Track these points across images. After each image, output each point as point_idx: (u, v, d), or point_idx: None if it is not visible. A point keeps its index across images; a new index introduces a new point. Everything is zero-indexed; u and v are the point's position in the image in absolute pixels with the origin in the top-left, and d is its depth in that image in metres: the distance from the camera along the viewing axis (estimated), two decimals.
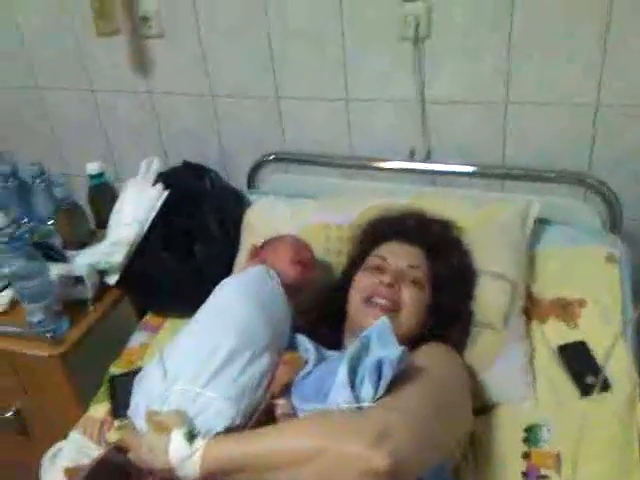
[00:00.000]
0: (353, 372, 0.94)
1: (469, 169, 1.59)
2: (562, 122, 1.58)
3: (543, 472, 1.06)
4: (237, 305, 1.09)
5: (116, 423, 1.23)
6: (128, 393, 1.07)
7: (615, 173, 1.56)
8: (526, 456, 1.09)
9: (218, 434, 0.91)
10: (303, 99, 1.82)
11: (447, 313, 1.18)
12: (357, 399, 0.91)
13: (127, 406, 1.10)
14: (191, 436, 0.88)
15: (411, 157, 1.70)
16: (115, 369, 1.35)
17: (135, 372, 1.27)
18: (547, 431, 1.12)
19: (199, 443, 0.87)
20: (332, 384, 0.94)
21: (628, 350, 1.19)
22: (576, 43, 1.45)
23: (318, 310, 1.24)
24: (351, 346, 0.99)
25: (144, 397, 0.98)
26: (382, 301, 1.12)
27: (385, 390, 0.90)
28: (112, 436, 1.21)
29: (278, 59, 1.77)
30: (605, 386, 1.15)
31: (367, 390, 0.91)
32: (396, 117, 1.73)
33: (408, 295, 1.13)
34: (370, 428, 0.83)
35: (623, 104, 1.49)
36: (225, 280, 1.18)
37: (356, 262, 1.25)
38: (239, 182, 1.88)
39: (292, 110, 1.85)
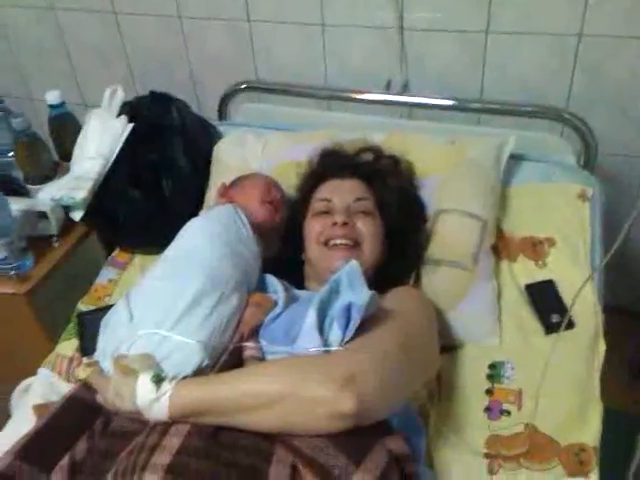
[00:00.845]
0: (322, 315, 0.94)
1: (446, 102, 1.55)
2: (543, 54, 1.54)
3: (505, 407, 1.09)
4: (204, 246, 1.07)
5: (85, 360, 1.23)
6: (96, 330, 1.06)
7: (594, 109, 1.54)
8: (489, 392, 1.12)
9: (185, 377, 0.91)
10: (276, 23, 1.75)
11: (400, 237, 1.18)
12: (325, 343, 0.91)
13: (95, 343, 1.09)
14: (158, 379, 0.88)
15: (387, 88, 1.66)
16: (83, 306, 1.34)
17: (103, 309, 1.27)
18: (510, 368, 1.15)
19: (166, 387, 0.87)
20: (301, 327, 0.94)
21: (594, 289, 1.21)
22: None
23: (278, 253, 1.23)
24: (321, 289, 0.98)
25: (111, 341, 0.97)
26: (342, 241, 1.12)
27: (353, 334, 0.90)
28: (81, 373, 1.21)
29: None
30: (569, 324, 1.16)
31: (335, 334, 0.91)
32: (373, 45, 1.68)
33: (363, 227, 1.13)
34: (336, 371, 0.83)
35: (606, 35, 1.45)
36: (192, 220, 1.16)
37: (300, 208, 1.23)
38: (210, 112, 1.82)
39: (264, 35, 1.79)
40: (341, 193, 1.18)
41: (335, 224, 1.12)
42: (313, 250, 1.15)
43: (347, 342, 0.90)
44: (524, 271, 1.27)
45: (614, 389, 1.18)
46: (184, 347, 0.93)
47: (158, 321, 0.95)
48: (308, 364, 0.88)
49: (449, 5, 1.55)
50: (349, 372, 0.83)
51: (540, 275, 1.25)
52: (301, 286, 1.18)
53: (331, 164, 1.28)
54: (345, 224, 1.12)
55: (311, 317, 0.93)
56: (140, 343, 0.93)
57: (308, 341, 0.91)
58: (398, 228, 1.19)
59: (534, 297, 1.22)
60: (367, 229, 1.13)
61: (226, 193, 1.25)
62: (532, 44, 1.53)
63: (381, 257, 1.15)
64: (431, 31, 1.61)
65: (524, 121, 1.49)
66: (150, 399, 0.86)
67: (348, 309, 0.91)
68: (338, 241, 1.12)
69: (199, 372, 0.93)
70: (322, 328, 0.93)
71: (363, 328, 0.90)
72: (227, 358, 0.96)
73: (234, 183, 1.27)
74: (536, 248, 1.29)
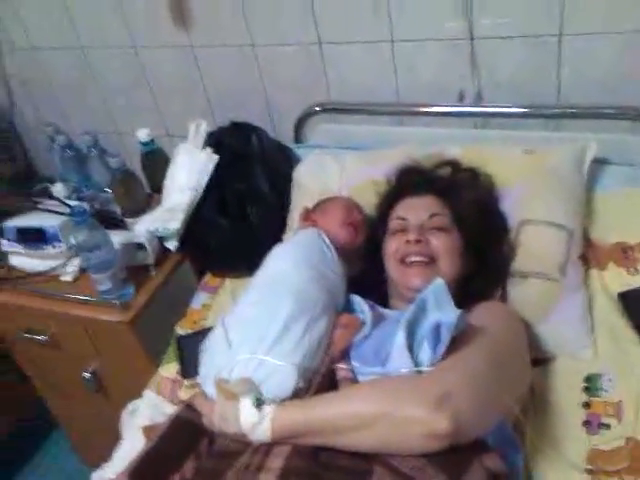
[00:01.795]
0: (411, 335, 0.95)
1: (520, 110, 1.53)
2: (619, 53, 1.49)
3: (604, 420, 1.07)
4: (290, 270, 1.11)
5: (186, 382, 1.30)
6: (195, 353, 1.13)
7: None
8: (586, 405, 1.10)
9: (283, 400, 0.95)
10: (345, 43, 1.77)
11: (481, 250, 1.18)
12: (416, 363, 0.92)
13: (194, 366, 1.16)
14: (259, 403, 0.92)
15: (460, 100, 1.65)
16: (180, 329, 1.41)
17: (199, 332, 1.34)
18: (608, 380, 1.12)
19: (267, 410, 0.91)
20: (391, 347, 0.96)
21: None
22: None
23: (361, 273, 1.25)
24: (408, 308, 1.00)
25: (212, 366, 1.03)
26: (416, 258, 1.13)
27: (444, 353, 0.91)
28: (183, 394, 1.28)
29: (318, 3, 1.73)
30: None
31: (426, 354, 0.92)
32: (444, 56, 1.67)
33: (438, 243, 1.14)
34: (430, 391, 0.85)
35: None
36: (277, 246, 1.20)
37: (379, 227, 1.26)
38: (286, 135, 1.88)
39: (335, 56, 1.81)
40: (415, 210, 1.19)
41: (409, 242, 1.14)
42: (391, 268, 1.18)
43: (437, 361, 0.91)
44: (616, 279, 1.23)
45: None
46: (280, 370, 0.97)
47: (254, 346, 0.99)
48: (402, 385, 0.90)
49: (519, 10, 1.53)
50: (443, 391, 0.84)
51: (633, 282, 1.22)
52: (386, 304, 1.20)
53: (407, 182, 1.30)
54: (418, 241, 1.13)
55: (400, 337, 0.95)
56: (239, 368, 0.98)
57: (399, 362, 0.94)
58: (478, 241, 1.19)
59: (628, 305, 1.19)
60: (442, 245, 1.14)
61: (309, 217, 1.28)
62: (607, 44, 1.49)
63: (461, 271, 1.16)
64: (502, 38, 1.59)
65: (604, 123, 1.45)
66: (253, 422, 0.90)
67: (437, 328, 0.92)
68: (413, 258, 1.13)
69: (295, 394, 0.97)
70: (412, 348, 0.94)
71: (452, 346, 0.91)
72: (321, 380, 0.99)
73: (316, 207, 1.31)
74: (627, 254, 1.25)
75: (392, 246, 1.18)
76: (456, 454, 0.84)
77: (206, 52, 1.98)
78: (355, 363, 1.02)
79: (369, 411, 0.86)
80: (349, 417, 0.87)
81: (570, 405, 1.11)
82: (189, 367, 1.28)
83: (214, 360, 1.04)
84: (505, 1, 1.52)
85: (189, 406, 1.07)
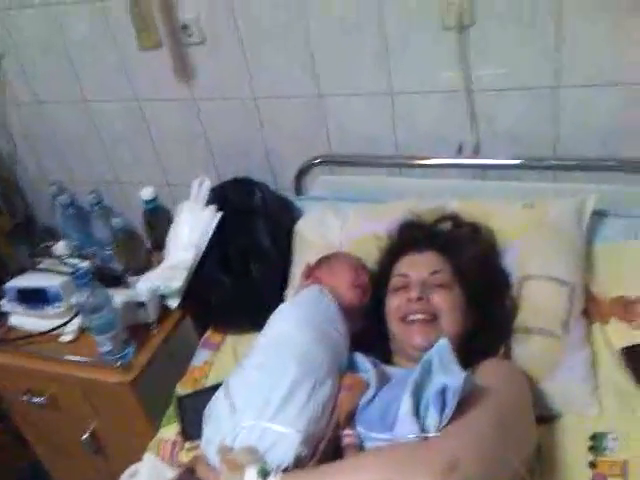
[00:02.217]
0: (417, 399, 0.95)
1: (518, 162, 1.55)
2: (618, 105, 1.51)
3: None
4: (294, 332, 1.10)
5: (187, 444, 1.28)
6: (196, 414, 1.11)
7: None
8: (592, 465, 1.08)
9: (287, 469, 0.94)
10: (346, 95, 1.80)
11: (483, 306, 1.18)
12: (422, 428, 0.92)
13: (195, 427, 1.15)
14: (264, 473, 0.91)
15: (459, 152, 1.67)
16: (181, 389, 1.40)
17: (200, 392, 1.33)
18: (613, 439, 1.11)
19: None
20: (397, 412, 0.95)
21: None
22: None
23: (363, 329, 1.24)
24: (413, 370, 1.00)
25: (215, 433, 1.01)
26: (418, 316, 1.13)
27: (450, 418, 0.90)
28: (184, 457, 1.26)
29: (318, 56, 1.76)
30: None
31: (432, 418, 0.91)
32: (442, 109, 1.69)
33: (439, 300, 1.14)
34: (437, 459, 0.84)
35: None
36: (281, 306, 1.20)
37: (381, 283, 1.26)
38: (286, 186, 1.90)
39: (335, 108, 1.84)
40: (417, 267, 1.20)
41: (410, 300, 1.14)
42: (394, 326, 1.18)
43: (444, 426, 0.90)
44: (618, 334, 1.23)
45: None
46: (284, 437, 0.96)
47: (258, 412, 0.98)
48: (408, 454, 0.88)
49: (516, 62, 1.56)
50: (450, 460, 0.83)
51: (636, 336, 1.21)
52: (389, 360, 1.20)
53: (408, 238, 1.30)
54: (420, 299, 1.13)
55: (406, 403, 0.94)
56: (243, 435, 0.97)
57: (405, 428, 0.93)
58: (480, 297, 1.19)
59: (632, 361, 1.18)
60: (443, 302, 1.14)
61: (312, 274, 1.28)
62: (606, 96, 1.52)
63: (463, 328, 1.15)
64: (500, 90, 1.61)
65: (602, 175, 1.47)
66: None
67: (443, 392, 0.92)
68: (415, 317, 1.13)
69: (299, 461, 0.95)
70: (418, 412, 0.93)
71: (458, 409, 0.90)
72: (326, 446, 0.98)
73: (320, 263, 1.30)
74: (628, 308, 1.25)
75: (394, 303, 1.18)
76: None
77: (208, 105, 2.01)
78: (361, 428, 1.01)
79: None
80: None
81: (576, 465, 1.09)
82: (190, 428, 1.27)
83: (217, 425, 1.02)
84: (502, 52, 1.55)
85: (190, 470, 1.06)
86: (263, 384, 1.02)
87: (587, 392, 1.17)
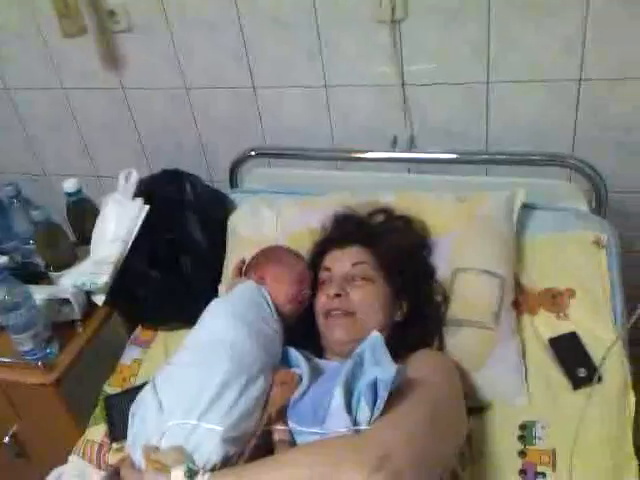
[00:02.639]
0: (349, 393, 0.94)
1: (452, 156, 1.56)
2: (545, 101, 1.56)
3: (540, 469, 1.07)
4: (227, 329, 1.07)
5: (114, 445, 1.23)
6: (124, 414, 1.07)
7: (598, 149, 1.55)
8: (522, 454, 1.10)
9: (215, 467, 0.91)
10: (280, 88, 1.78)
11: (410, 298, 1.19)
12: (354, 422, 0.91)
13: (123, 427, 1.11)
14: (191, 474, 0.87)
15: (394, 145, 1.68)
16: (109, 388, 1.35)
17: (129, 391, 1.28)
18: (541, 428, 1.13)
19: None
20: (328, 406, 0.94)
21: (620, 340, 1.19)
22: (556, 19, 1.42)
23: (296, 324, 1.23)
24: (345, 364, 0.99)
25: (141, 432, 0.97)
26: (336, 312, 1.14)
27: (382, 410, 0.89)
28: (111, 458, 1.21)
29: (252, 47, 1.73)
30: (597, 378, 1.15)
31: (364, 412, 0.91)
32: (377, 103, 1.70)
33: (357, 296, 1.14)
34: (369, 453, 0.83)
35: (605, 78, 1.47)
36: (214, 302, 1.17)
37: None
38: (221, 179, 1.86)
39: (269, 100, 1.82)
40: (340, 261, 1.20)
41: (328, 296, 1.15)
42: (319, 321, 1.18)
43: (376, 419, 0.90)
44: (546, 325, 1.26)
45: None
46: (212, 435, 0.93)
47: (187, 410, 0.95)
48: (340, 448, 0.87)
49: (448, 58, 1.58)
50: (381, 453, 0.83)
51: (562, 327, 1.24)
52: (322, 356, 1.18)
53: (336, 231, 1.30)
54: (337, 295, 1.14)
55: (338, 397, 0.93)
56: (170, 434, 0.93)
57: (337, 422, 0.91)
58: (407, 290, 1.19)
59: (559, 351, 1.21)
60: (362, 298, 1.14)
61: (251, 269, 1.24)
62: (533, 92, 1.55)
63: (386, 321, 1.16)
64: (432, 85, 1.63)
65: (532, 169, 1.50)
66: None
67: (374, 385, 0.91)
68: (334, 312, 1.14)
69: (227, 459, 0.93)
70: (350, 406, 0.92)
71: (390, 401, 0.90)
72: (256, 443, 0.96)
73: (263, 262, 1.24)
74: (556, 300, 1.28)
75: (320, 300, 1.19)
76: None
77: (138, 95, 1.95)
78: (292, 423, 0.99)
79: (306, 476, 0.83)
80: None
81: (506, 454, 1.11)
82: (117, 429, 1.23)
83: (143, 424, 0.98)
84: (434, 47, 1.57)
85: (117, 471, 1.01)
86: (193, 382, 0.99)
87: (517, 382, 1.19)
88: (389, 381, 0.89)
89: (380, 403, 0.89)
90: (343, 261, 1.20)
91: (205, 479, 0.87)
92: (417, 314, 1.20)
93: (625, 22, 1.39)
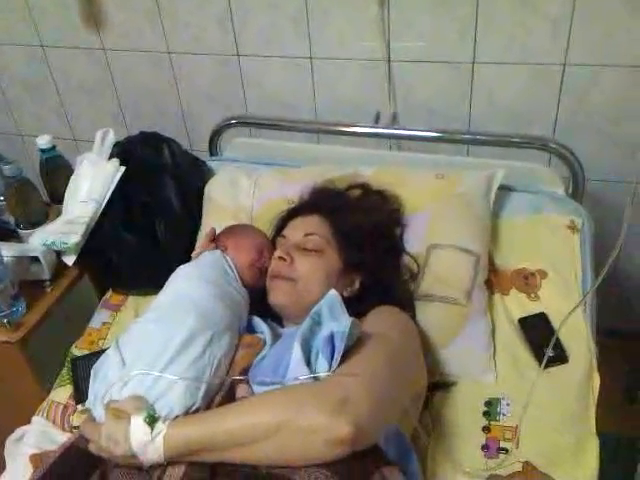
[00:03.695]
0: (307, 348, 0.95)
1: (434, 134, 1.56)
2: (528, 84, 1.56)
3: (502, 445, 1.09)
4: (194, 288, 1.09)
5: (79, 407, 1.22)
6: (89, 376, 1.05)
7: (579, 135, 1.56)
8: (486, 429, 1.11)
9: (178, 416, 0.91)
10: (265, 57, 1.76)
11: (368, 272, 1.18)
12: (314, 374, 0.91)
13: (88, 389, 1.09)
14: (152, 420, 0.87)
15: (376, 121, 1.67)
16: (76, 350, 1.33)
17: (97, 353, 1.27)
18: (506, 404, 1.14)
19: (160, 427, 0.87)
20: (288, 363, 0.95)
21: (587, 321, 1.21)
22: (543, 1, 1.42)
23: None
24: (304, 323, 0.99)
25: (102, 385, 0.97)
26: (279, 276, 1.14)
27: (339, 361, 0.91)
28: (76, 420, 1.20)
29: (237, 14, 1.70)
30: (563, 358, 1.17)
31: (322, 364, 0.92)
32: (362, 77, 1.70)
33: (302, 265, 1.14)
34: (329, 396, 0.84)
35: (588, 63, 1.47)
36: (181, 267, 1.17)
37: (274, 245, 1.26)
38: (201, 147, 1.83)
39: (254, 69, 1.80)
40: (294, 229, 1.20)
41: (274, 258, 1.16)
42: (266, 284, 1.17)
43: (334, 370, 0.91)
44: (517, 305, 1.27)
45: (611, 414, 1.17)
46: (176, 387, 0.93)
47: (150, 362, 0.95)
48: (300, 393, 0.88)
49: (435, 36, 1.57)
50: (342, 396, 0.84)
51: (533, 308, 1.26)
52: (282, 325, 1.19)
53: (299, 204, 1.30)
54: (281, 259, 1.15)
55: (296, 351, 0.94)
56: (132, 385, 0.93)
57: (296, 374, 0.92)
58: (362, 266, 1.18)
59: (527, 331, 1.23)
60: (304, 266, 1.14)
61: (217, 239, 1.25)
62: (517, 74, 1.56)
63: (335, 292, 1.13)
64: (418, 62, 1.63)
65: (512, 151, 1.50)
66: (145, 441, 0.86)
67: (331, 338, 0.92)
68: (278, 275, 1.15)
69: (189, 412, 0.93)
70: (309, 360, 0.94)
71: (348, 353, 0.92)
72: (221, 401, 0.97)
73: (227, 233, 1.27)
74: (528, 281, 1.29)
75: (271, 263, 1.19)
76: (358, 465, 0.84)
77: (119, 56, 1.91)
78: (254, 382, 0.99)
79: (268, 420, 0.84)
80: (247, 428, 0.85)
81: (470, 429, 1.12)
82: (82, 390, 1.21)
83: (105, 380, 0.98)
84: (421, 25, 1.56)
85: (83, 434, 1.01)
86: (157, 336, 1.00)
87: (485, 360, 1.21)
88: (345, 333, 0.90)
89: (337, 354, 0.90)
90: (297, 230, 1.20)
91: (165, 425, 0.87)
92: (373, 292, 1.17)
93: (612, 8, 1.39)
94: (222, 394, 0.98)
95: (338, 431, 0.81)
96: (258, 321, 1.14)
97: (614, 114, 1.54)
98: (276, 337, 1.10)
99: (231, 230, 1.28)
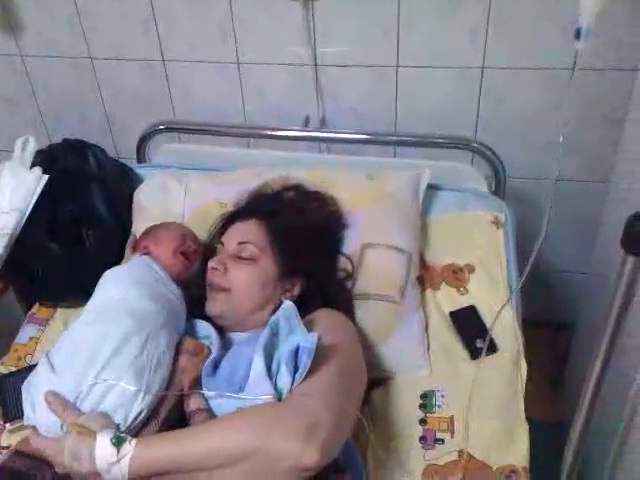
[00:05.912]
0: (269, 360, 0.95)
1: (362, 137, 1.59)
2: (450, 86, 1.62)
3: (439, 436, 1.12)
4: (123, 290, 1.08)
5: (8, 426, 1.16)
6: (17, 393, 1.04)
7: (500, 136, 1.63)
8: (423, 422, 1.15)
9: (135, 425, 0.91)
10: (191, 62, 1.75)
11: (307, 276, 1.18)
12: (276, 388, 0.91)
13: (17, 407, 1.08)
14: (118, 441, 0.85)
15: (306, 125, 1.69)
16: (2, 367, 1.28)
17: (24, 370, 1.21)
18: (441, 396, 1.18)
19: (127, 448, 0.85)
20: (246, 375, 0.95)
21: (513, 312, 1.26)
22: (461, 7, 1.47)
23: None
24: (258, 335, 0.99)
25: (37, 396, 0.95)
26: (214, 286, 1.14)
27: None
28: (5, 440, 1.15)
29: (161, 19, 1.68)
30: (493, 348, 1.22)
31: (285, 378, 0.92)
32: (290, 81, 1.71)
33: (236, 275, 1.13)
34: (299, 422, 0.84)
35: (506, 67, 1.54)
36: (107, 272, 1.15)
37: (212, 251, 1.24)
38: (129, 155, 1.79)
39: (180, 74, 1.78)
40: (230, 237, 1.19)
41: (209, 268, 1.15)
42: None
43: (296, 385, 0.91)
44: (448, 299, 1.31)
45: (539, 401, 1.23)
46: (115, 388, 0.93)
47: (84, 365, 0.94)
48: (269, 417, 0.88)
49: (360, 40, 1.60)
50: (308, 422, 0.85)
51: (463, 301, 1.30)
52: (230, 329, 1.17)
53: (235, 211, 1.29)
54: (214, 269, 1.14)
55: (259, 365, 0.93)
56: (66, 391, 0.93)
57: (258, 389, 0.92)
58: (299, 270, 1.18)
59: (458, 324, 1.27)
60: (238, 277, 1.13)
61: (138, 245, 1.23)
62: (439, 77, 1.61)
63: (267, 302, 1.14)
64: (344, 67, 1.65)
65: (437, 151, 1.55)
66: (111, 462, 0.84)
67: (295, 353, 0.92)
68: (213, 285, 1.14)
69: (140, 420, 0.94)
70: (269, 374, 0.93)
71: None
72: (170, 410, 0.96)
73: (147, 233, 1.25)
74: (457, 275, 1.34)
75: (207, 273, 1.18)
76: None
77: (38, 62, 1.85)
78: (208, 392, 0.99)
79: (239, 445, 0.84)
80: (218, 453, 0.84)
81: (408, 422, 1.15)
82: (11, 409, 1.16)
83: (37, 392, 0.96)
84: (345, 31, 1.59)
85: (18, 453, 0.98)
86: (90, 339, 0.99)
87: (419, 354, 1.24)
88: (312, 349, 0.90)
89: (303, 370, 0.90)
90: (232, 237, 1.18)
91: (132, 446, 0.85)
92: (313, 295, 1.17)
93: (524, 16, 1.47)
94: (172, 406, 0.98)
95: (307, 459, 0.82)
96: (205, 324, 1.13)
97: (529, 115, 1.61)
98: (224, 341, 1.09)
99: (148, 230, 1.27)
